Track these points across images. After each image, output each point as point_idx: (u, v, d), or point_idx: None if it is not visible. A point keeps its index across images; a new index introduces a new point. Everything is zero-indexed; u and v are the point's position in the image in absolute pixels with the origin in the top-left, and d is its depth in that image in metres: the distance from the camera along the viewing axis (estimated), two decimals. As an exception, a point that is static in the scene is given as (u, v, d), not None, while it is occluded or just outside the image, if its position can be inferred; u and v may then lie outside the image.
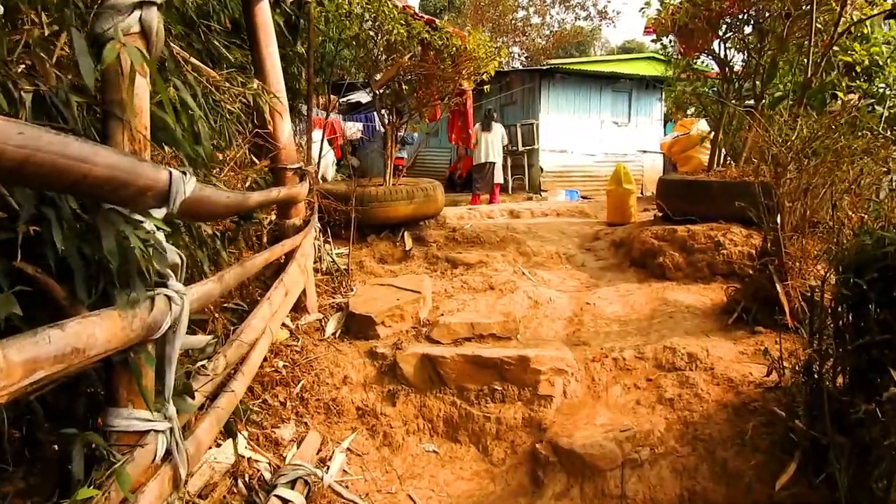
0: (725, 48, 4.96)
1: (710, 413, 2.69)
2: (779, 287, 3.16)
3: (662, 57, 25.81)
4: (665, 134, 15.47)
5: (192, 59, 2.49)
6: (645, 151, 15.25)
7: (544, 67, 14.73)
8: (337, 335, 3.66)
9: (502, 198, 12.22)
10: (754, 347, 3.07)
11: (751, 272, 3.72)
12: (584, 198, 13.71)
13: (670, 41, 5.44)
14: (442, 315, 3.78)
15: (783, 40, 4.57)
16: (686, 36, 5.01)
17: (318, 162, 5.83)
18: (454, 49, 4.82)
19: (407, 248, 4.86)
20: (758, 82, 4.81)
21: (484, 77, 5.29)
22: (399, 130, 5.33)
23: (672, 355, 3.10)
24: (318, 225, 4.69)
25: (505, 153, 12.52)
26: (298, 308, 3.69)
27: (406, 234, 5.01)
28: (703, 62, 5.61)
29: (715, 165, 4.95)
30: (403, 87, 4.92)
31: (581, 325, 3.72)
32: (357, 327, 3.66)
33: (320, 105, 6.68)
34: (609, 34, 25.18)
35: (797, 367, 2.49)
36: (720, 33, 4.87)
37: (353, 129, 12.53)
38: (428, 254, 4.79)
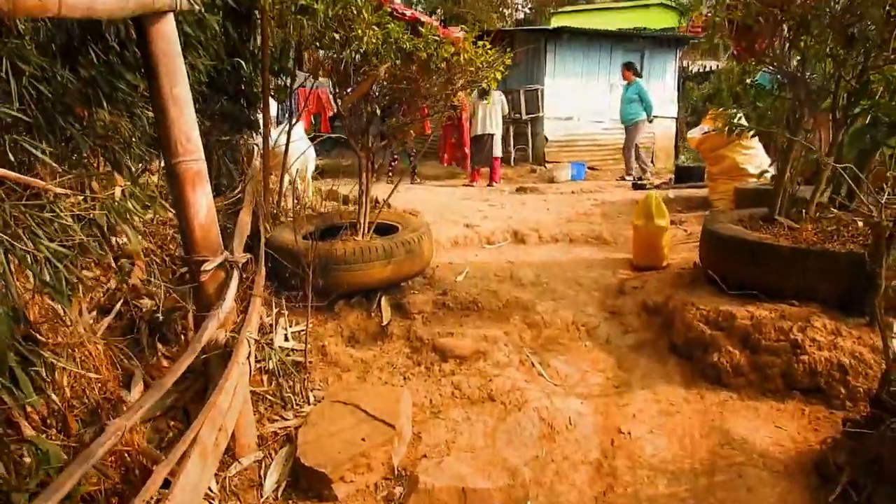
0: (797, 56, 3.69)
1: None
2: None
3: (672, 3, 24.04)
4: (678, 98, 14.06)
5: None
6: (656, 116, 13.88)
7: (549, 28, 13.20)
8: (280, 493, 2.61)
9: (504, 171, 11.02)
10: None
11: (855, 416, 2.63)
12: (591, 168, 12.51)
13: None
14: (424, 457, 2.74)
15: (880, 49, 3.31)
16: (745, 37, 3.73)
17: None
18: (444, 61, 3.55)
19: (384, 323, 3.74)
20: (839, 104, 3.57)
21: (483, 85, 4.04)
22: (377, 157, 4.09)
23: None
24: (265, 295, 3.59)
25: (506, 122, 11.21)
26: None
27: (384, 300, 3.89)
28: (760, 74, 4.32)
29: (780, 213, 3.75)
30: (376, 108, 3.66)
31: (614, 479, 2.66)
32: (307, 482, 2.64)
33: (305, 69, 5.37)
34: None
35: None
36: (789, 35, 3.59)
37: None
38: (411, 332, 3.67)
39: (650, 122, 10.47)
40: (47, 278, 1.56)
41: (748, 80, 4.27)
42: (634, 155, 10.42)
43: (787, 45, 3.55)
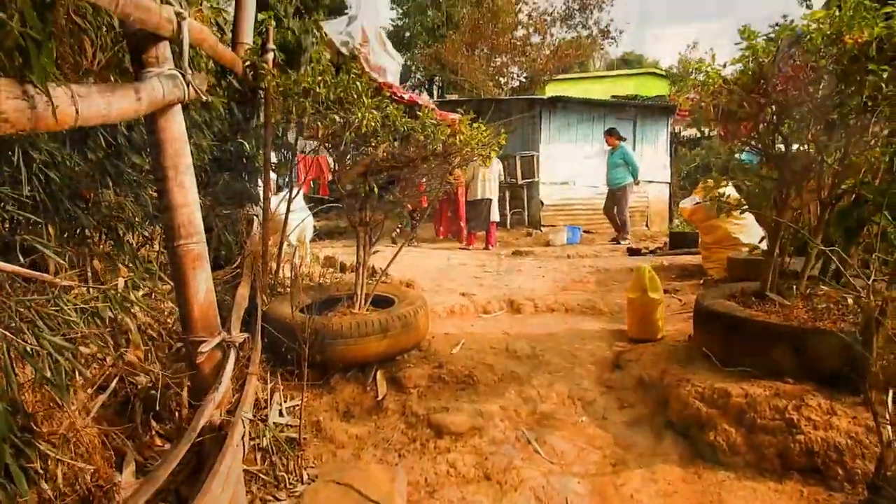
0: (777, 140, 3.82)
1: None
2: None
3: (662, 72, 24.90)
4: (671, 165, 14.39)
5: None
6: (650, 181, 14.19)
7: (545, 97, 13.64)
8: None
9: (500, 234, 11.17)
10: None
11: (854, 500, 2.61)
12: (587, 232, 12.67)
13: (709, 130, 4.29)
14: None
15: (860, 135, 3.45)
16: (730, 121, 3.88)
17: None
18: (440, 145, 3.67)
19: (379, 398, 3.72)
20: (824, 183, 3.69)
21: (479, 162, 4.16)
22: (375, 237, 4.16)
23: None
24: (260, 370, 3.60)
25: (503, 186, 11.46)
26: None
27: (379, 375, 3.89)
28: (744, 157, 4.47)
29: (771, 290, 3.80)
30: (374, 186, 3.75)
31: (612, 566, 2.59)
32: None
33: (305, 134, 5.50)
34: (609, 46, 23.82)
35: None
36: (772, 120, 3.73)
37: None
38: (406, 407, 3.65)
39: (637, 184, 10.70)
40: (48, 373, 1.58)
41: (736, 157, 4.42)
42: (612, 210, 10.60)
43: (771, 128, 3.68)
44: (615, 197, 10.54)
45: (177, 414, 3.18)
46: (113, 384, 2.95)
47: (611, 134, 10.53)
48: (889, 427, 2.59)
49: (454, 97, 18.05)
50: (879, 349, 2.96)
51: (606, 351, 4.50)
